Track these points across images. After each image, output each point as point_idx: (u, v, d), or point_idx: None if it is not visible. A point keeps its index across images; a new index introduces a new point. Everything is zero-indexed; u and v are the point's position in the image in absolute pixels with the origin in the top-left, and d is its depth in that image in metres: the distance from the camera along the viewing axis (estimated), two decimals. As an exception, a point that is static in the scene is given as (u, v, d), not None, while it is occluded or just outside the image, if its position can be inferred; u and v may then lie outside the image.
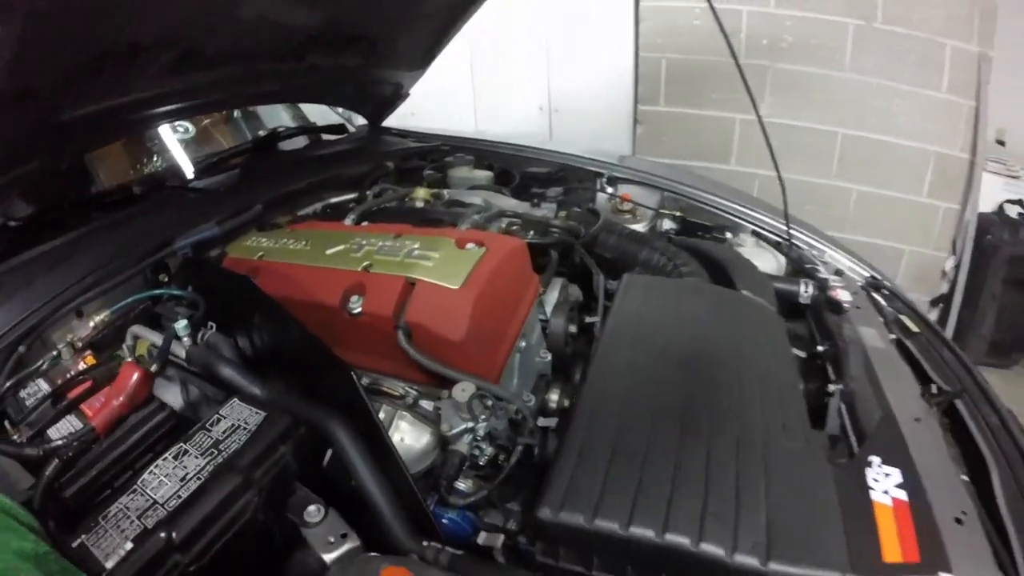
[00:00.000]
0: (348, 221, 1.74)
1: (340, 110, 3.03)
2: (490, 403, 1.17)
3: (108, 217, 1.69)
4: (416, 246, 1.39)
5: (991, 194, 4.22)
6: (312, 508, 1.02)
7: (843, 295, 1.78)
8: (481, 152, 2.73)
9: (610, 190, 2.47)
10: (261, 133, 2.60)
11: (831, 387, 1.47)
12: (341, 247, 1.43)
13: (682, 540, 0.90)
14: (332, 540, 0.99)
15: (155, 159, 2.26)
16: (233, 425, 1.08)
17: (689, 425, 1.10)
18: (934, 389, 1.46)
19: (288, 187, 1.97)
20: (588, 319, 1.64)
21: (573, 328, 1.59)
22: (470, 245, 1.37)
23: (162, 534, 0.89)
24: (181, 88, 1.76)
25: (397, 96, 2.77)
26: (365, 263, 1.35)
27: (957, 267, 4.18)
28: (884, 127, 4.14)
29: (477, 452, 1.19)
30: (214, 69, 1.80)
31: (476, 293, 1.23)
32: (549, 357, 1.52)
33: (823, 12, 4.05)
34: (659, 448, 1.05)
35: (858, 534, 0.94)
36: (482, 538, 1.13)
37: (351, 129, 2.93)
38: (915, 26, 3.95)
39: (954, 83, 3.99)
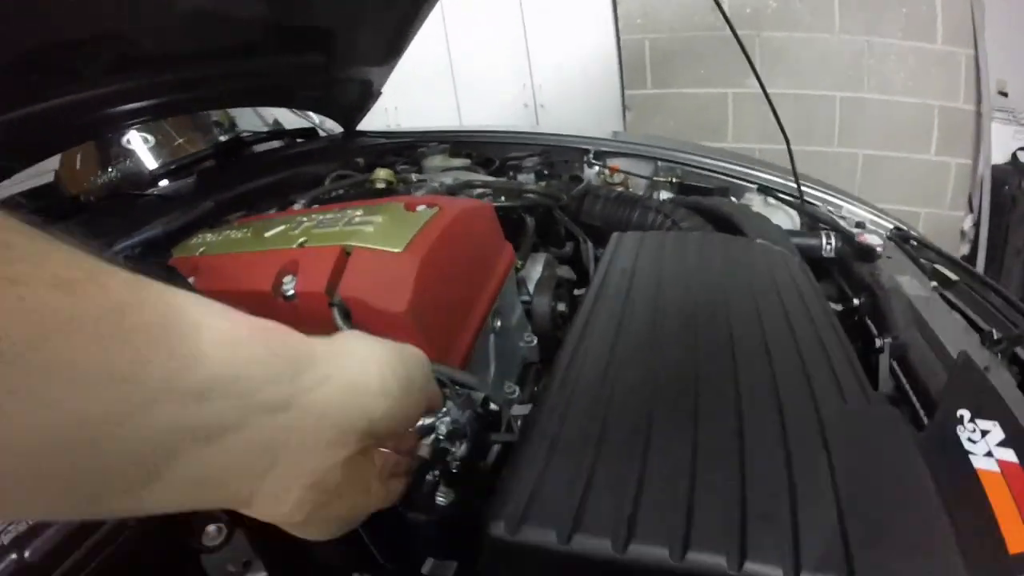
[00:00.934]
0: (298, 206, 1.46)
1: (314, 116, 2.78)
2: (459, 391, 0.88)
3: (53, 228, 1.42)
4: (359, 213, 1.11)
5: (1002, 145, 3.93)
6: (212, 528, 0.75)
7: (873, 239, 1.48)
8: (460, 142, 2.44)
9: (596, 168, 2.18)
10: (223, 138, 2.32)
11: (878, 342, 1.17)
12: (280, 228, 1.16)
13: (715, 560, 0.56)
14: (232, 570, 0.74)
15: (110, 170, 2.03)
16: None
17: (707, 398, 0.76)
18: (995, 335, 1.15)
19: (245, 186, 1.72)
20: (578, 292, 1.35)
21: (563, 307, 1.29)
22: (421, 207, 1.09)
23: (13, 555, 0.66)
24: (123, 90, 1.55)
25: (368, 95, 2.46)
26: (301, 239, 1.07)
27: (976, 225, 3.89)
28: (882, 86, 3.87)
29: (450, 456, 0.90)
30: (158, 70, 1.58)
31: (422, 256, 0.93)
32: (535, 341, 1.22)
33: (806, -27, 3.79)
34: (667, 432, 0.70)
35: (967, 519, 0.63)
36: (427, 567, 0.84)
37: (323, 134, 2.65)
38: (902, -24, 3.69)
39: (948, 33, 3.73)
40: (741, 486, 0.62)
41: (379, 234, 1.00)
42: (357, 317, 0.93)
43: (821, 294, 1.11)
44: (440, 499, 0.91)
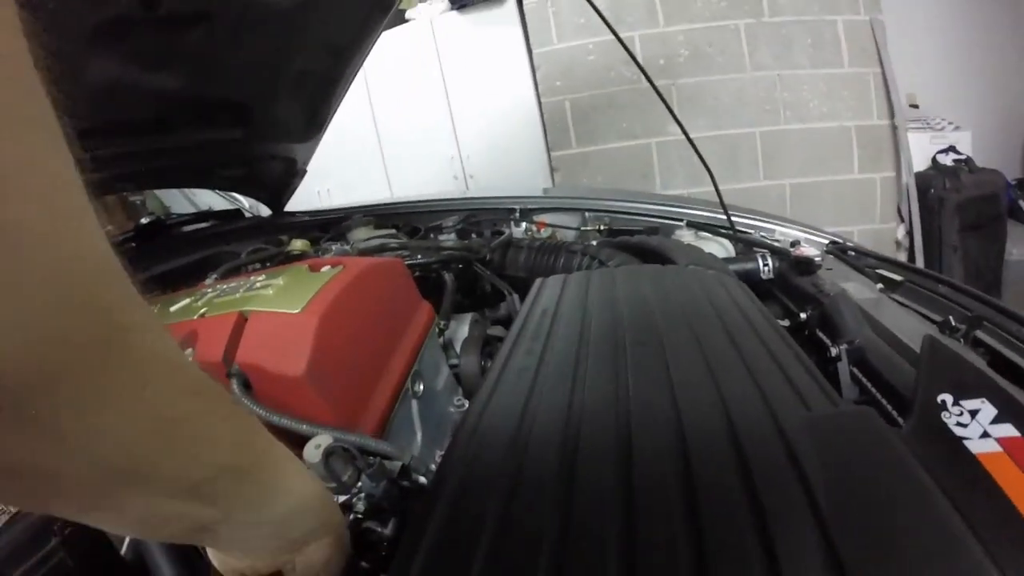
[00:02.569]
0: (210, 281, 1.34)
1: (243, 200, 2.67)
2: (371, 461, 0.75)
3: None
4: (261, 278, 1.00)
5: (921, 152, 4.00)
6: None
7: (810, 251, 1.42)
8: (387, 215, 2.34)
9: (524, 224, 2.10)
10: (143, 220, 2.19)
11: (833, 350, 1.08)
12: (185, 302, 1.03)
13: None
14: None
15: None
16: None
17: (642, 436, 0.62)
18: (953, 322, 1.07)
19: (163, 267, 1.63)
20: None
21: None
22: (325, 268, 0.98)
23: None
24: None
25: (293, 174, 2.36)
26: (202, 310, 0.95)
27: (910, 233, 3.89)
28: (799, 115, 3.89)
29: (374, 535, 0.76)
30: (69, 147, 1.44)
31: (320, 315, 0.82)
32: (467, 404, 1.09)
33: (711, 19, 3.86)
34: (592, 489, 0.55)
35: (979, 511, 0.51)
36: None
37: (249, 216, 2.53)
38: (802, 11, 3.78)
39: (854, 56, 3.80)
40: (695, 536, 0.49)
41: (278, 296, 0.89)
42: (257, 385, 0.81)
43: (764, 308, 1.02)
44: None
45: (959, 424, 0.64)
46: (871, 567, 0.44)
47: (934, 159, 4.03)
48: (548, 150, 4.31)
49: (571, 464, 0.58)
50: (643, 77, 1.56)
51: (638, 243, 1.54)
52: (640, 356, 0.78)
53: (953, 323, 1.06)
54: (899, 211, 3.93)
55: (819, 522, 0.48)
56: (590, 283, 1.12)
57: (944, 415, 0.65)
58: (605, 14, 1.49)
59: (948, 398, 0.67)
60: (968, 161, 3.97)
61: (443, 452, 0.92)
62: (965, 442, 0.61)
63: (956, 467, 0.59)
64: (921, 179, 3.89)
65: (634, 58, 1.54)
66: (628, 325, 0.89)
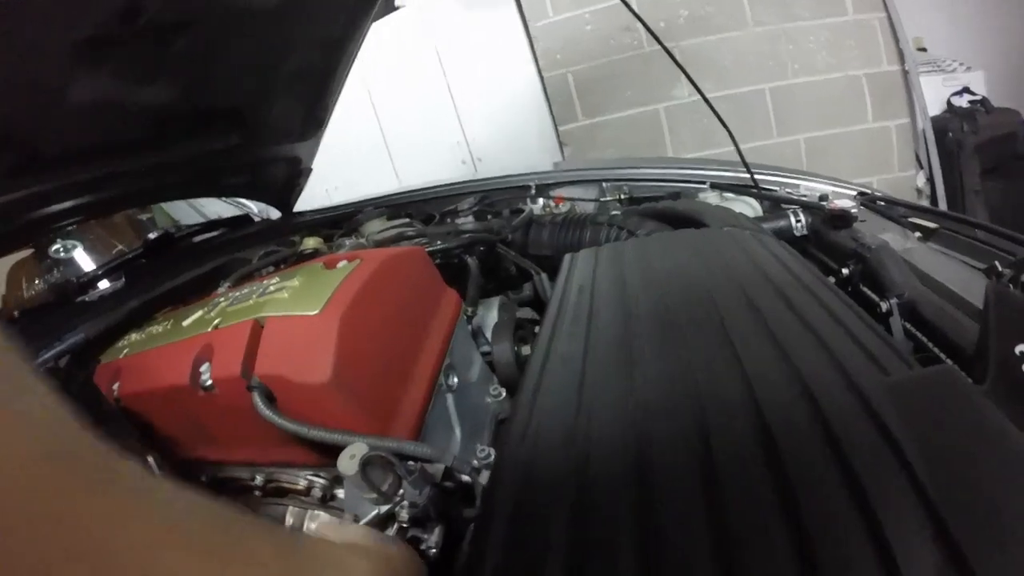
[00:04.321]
0: (222, 289, 1.28)
1: (251, 205, 2.62)
2: (411, 466, 0.69)
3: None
4: (274, 281, 0.94)
5: (935, 96, 3.86)
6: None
7: (846, 203, 1.34)
8: (399, 205, 2.29)
9: (542, 201, 2.03)
10: (151, 236, 2.14)
11: (883, 305, 1.02)
12: (198, 314, 0.98)
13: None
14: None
15: (37, 282, 1.91)
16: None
17: (714, 409, 0.56)
18: (1000, 268, 1.00)
19: (175, 280, 1.55)
20: None
21: (528, 350, 1.09)
22: (342, 263, 0.92)
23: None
24: (32, 195, 1.39)
25: (298, 173, 2.29)
26: (216, 321, 0.89)
27: (930, 179, 3.77)
28: (807, 68, 3.78)
29: (423, 544, 0.71)
30: (66, 170, 1.42)
31: (341, 314, 0.76)
32: (503, 394, 1.04)
33: (707, -23, 3.72)
34: (671, 469, 0.50)
35: None
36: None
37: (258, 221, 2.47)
38: (801, -41, 3.64)
39: (857, 1, 3.67)
40: (795, 534, 0.43)
41: (294, 298, 0.83)
42: (281, 395, 0.75)
43: (811, 266, 0.95)
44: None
45: (1047, 386, 0.57)
46: (986, 546, 0.39)
47: (949, 102, 3.90)
48: (555, 125, 4.22)
49: (644, 464, 0.51)
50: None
51: (665, 209, 1.48)
52: (699, 331, 0.71)
53: (999, 268, 1.00)
54: (917, 158, 3.82)
55: (923, 499, 0.43)
56: (624, 255, 1.05)
57: (1024, 367, 0.59)
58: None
59: (1030, 348, 0.61)
60: (984, 101, 3.83)
61: (483, 447, 0.87)
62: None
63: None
64: (937, 123, 3.77)
65: (641, 19, 1.48)
66: (678, 299, 0.83)
